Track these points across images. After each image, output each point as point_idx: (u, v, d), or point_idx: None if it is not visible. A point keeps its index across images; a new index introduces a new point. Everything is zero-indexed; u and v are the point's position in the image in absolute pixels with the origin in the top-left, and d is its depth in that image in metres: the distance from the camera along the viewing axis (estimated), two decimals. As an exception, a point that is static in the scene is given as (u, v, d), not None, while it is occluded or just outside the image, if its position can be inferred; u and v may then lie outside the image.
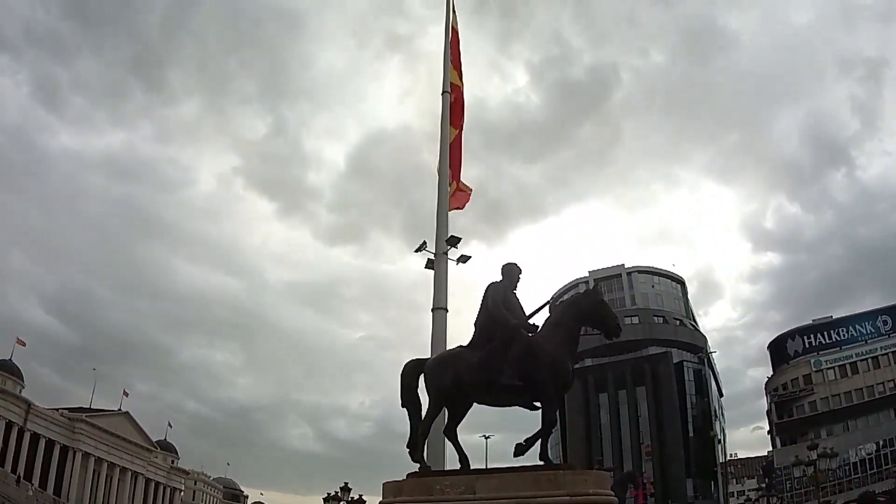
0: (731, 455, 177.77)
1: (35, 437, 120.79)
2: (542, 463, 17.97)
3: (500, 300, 18.61)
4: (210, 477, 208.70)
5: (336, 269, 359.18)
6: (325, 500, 51.45)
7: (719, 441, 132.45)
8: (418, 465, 18.91)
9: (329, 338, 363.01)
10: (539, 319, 19.23)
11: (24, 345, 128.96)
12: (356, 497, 51.75)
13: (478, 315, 19.35)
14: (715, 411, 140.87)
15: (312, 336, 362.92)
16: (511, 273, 19.67)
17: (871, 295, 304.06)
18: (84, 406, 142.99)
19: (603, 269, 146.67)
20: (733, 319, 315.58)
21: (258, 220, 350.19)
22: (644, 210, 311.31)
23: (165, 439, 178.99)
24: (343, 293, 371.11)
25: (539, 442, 18.19)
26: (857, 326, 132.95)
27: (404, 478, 18.89)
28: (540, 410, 18.47)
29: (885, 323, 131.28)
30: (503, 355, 18.04)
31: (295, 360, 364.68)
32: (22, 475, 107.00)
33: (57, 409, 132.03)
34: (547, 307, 19.82)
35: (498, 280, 19.44)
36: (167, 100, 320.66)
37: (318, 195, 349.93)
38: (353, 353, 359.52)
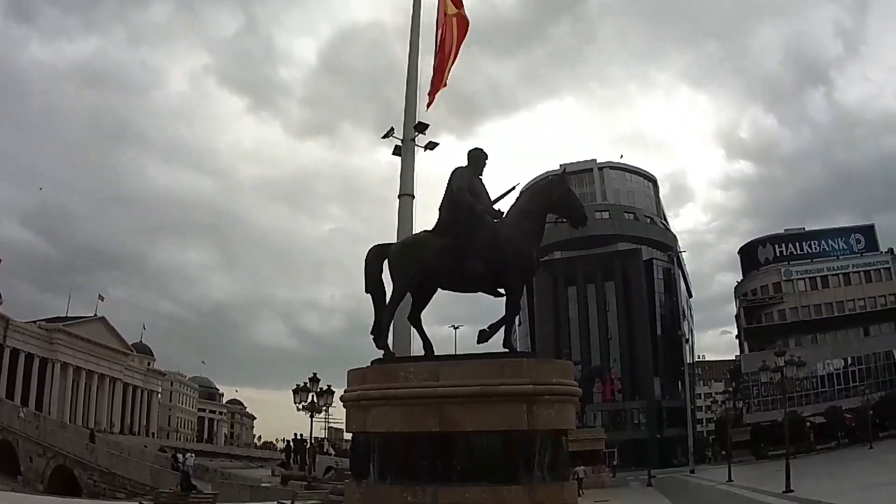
0: (698, 357, 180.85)
1: (15, 354, 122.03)
2: (506, 350, 18.66)
3: (464, 186, 18.76)
4: (186, 377, 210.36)
5: (307, 163, 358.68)
6: (294, 391, 51.96)
7: (687, 341, 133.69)
8: (383, 353, 19.40)
9: (301, 233, 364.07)
10: (504, 206, 19.38)
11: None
12: (325, 388, 52.43)
13: (442, 200, 19.49)
14: (683, 311, 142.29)
15: (284, 232, 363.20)
16: (477, 158, 19.81)
17: (845, 216, 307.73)
18: (61, 315, 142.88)
19: (575, 163, 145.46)
20: (704, 224, 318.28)
21: (230, 119, 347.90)
22: (617, 110, 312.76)
23: (141, 341, 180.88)
24: (314, 188, 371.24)
25: (503, 330, 18.91)
26: (829, 241, 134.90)
27: (369, 365, 19.56)
28: (504, 298, 18.88)
29: (858, 241, 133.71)
30: (468, 242, 18.47)
31: (268, 256, 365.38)
32: (4, 394, 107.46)
33: (35, 322, 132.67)
34: (512, 193, 19.84)
35: (463, 165, 19.58)
36: (139, 1, 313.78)
37: (290, 91, 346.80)
38: (324, 248, 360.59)
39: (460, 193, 18.50)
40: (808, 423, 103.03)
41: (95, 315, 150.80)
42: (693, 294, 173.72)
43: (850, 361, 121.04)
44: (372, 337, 19.64)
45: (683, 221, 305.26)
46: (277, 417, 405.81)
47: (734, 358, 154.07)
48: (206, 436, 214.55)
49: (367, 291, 20.00)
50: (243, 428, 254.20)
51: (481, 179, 19.64)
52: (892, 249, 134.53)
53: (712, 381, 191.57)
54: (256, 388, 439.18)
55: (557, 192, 19.20)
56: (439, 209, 19.49)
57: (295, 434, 72.16)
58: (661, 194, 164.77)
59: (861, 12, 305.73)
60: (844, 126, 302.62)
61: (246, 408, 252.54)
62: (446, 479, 17.03)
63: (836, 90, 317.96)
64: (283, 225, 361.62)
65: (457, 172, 19.11)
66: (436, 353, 19.73)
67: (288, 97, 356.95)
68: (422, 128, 31.70)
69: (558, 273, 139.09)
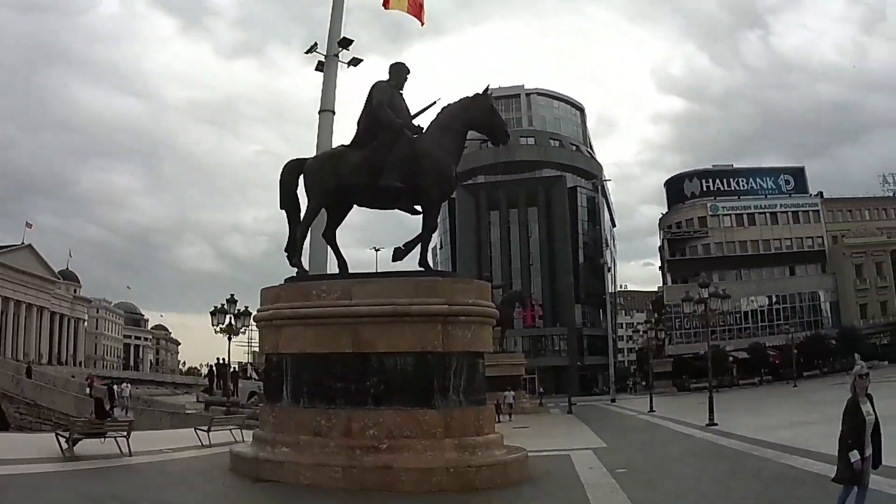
0: (621, 287, 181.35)
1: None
2: (421, 269, 18.09)
3: (385, 99, 18.48)
4: (112, 303, 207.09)
5: (236, 85, 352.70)
6: (211, 313, 51.15)
7: (609, 269, 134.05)
8: (296, 271, 19.15)
9: (227, 155, 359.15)
10: (425, 121, 19.16)
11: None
12: (242, 309, 51.68)
13: (361, 114, 19.12)
14: (606, 240, 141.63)
15: (211, 154, 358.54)
16: (399, 72, 19.46)
17: (774, 158, 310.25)
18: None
19: (502, 88, 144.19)
20: (631, 156, 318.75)
21: (160, 40, 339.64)
22: (550, 40, 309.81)
23: (68, 268, 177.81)
24: (242, 110, 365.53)
25: (419, 248, 18.41)
26: (758, 180, 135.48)
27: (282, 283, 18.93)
28: (421, 216, 18.60)
29: (787, 182, 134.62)
30: (385, 156, 18.05)
31: (194, 179, 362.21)
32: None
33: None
34: (433, 108, 19.35)
35: (384, 79, 19.21)
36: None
37: (220, 12, 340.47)
38: (250, 170, 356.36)
39: (380, 107, 18.18)
40: (730, 358, 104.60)
41: (23, 243, 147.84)
42: (617, 224, 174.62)
43: (774, 300, 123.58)
44: (286, 255, 19.35)
45: (611, 153, 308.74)
46: (202, 343, 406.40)
47: (657, 289, 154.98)
48: (131, 363, 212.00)
49: (281, 208, 19.70)
50: (168, 354, 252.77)
51: (402, 94, 19.28)
52: (821, 193, 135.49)
53: (634, 312, 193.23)
54: (181, 313, 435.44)
55: (480, 109, 18.83)
56: (357, 122, 19.10)
57: (218, 359, 71.61)
58: (589, 124, 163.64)
59: None
60: (779, 70, 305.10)
61: (171, 333, 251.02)
62: (360, 402, 16.86)
63: (773, 35, 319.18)
64: (211, 147, 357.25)
65: (377, 86, 18.72)
66: (350, 272, 19.28)
67: (217, 18, 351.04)
68: (346, 43, 31.16)
69: (481, 197, 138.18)
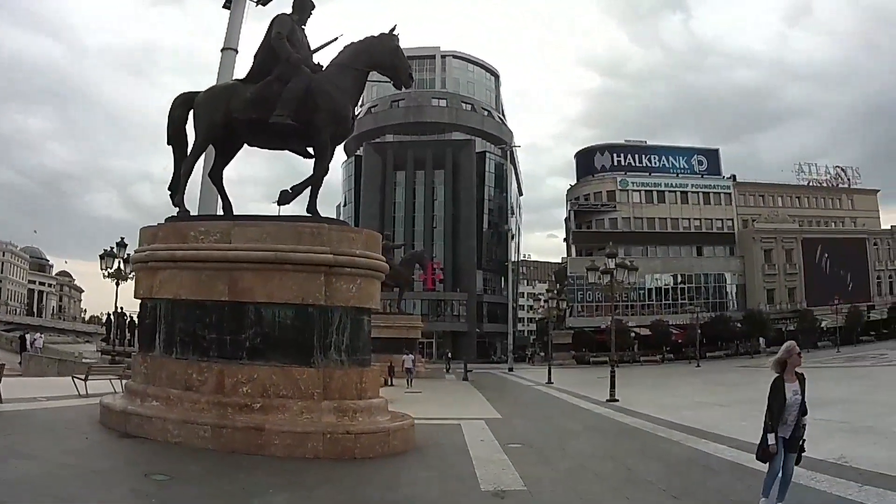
0: (524, 256, 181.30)
1: None
2: (308, 215, 17.03)
3: (284, 32, 17.59)
4: (17, 247, 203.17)
5: (154, 32, 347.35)
6: (100, 257, 49.98)
7: (513, 237, 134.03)
8: (177, 210, 18.03)
9: (141, 102, 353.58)
10: (326, 59, 18.44)
11: None
12: (132, 253, 50.32)
13: (259, 47, 18.24)
14: (512, 208, 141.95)
15: (125, 101, 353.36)
16: (303, 6, 18.66)
17: (688, 139, 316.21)
18: None
19: (418, 48, 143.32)
20: (544, 128, 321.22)
21: None
22: (473, 6, 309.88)
23: None
24: (158, 58, 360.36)
25: (309, 192, 17.40)
26: (670, 158, 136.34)
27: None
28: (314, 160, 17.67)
29: (700, 163, 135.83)
30: (279, 92, 17.13)
31: (107, 125, 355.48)
32: None
33: None
34: (336, 45, 18.62)
35: (287, 12, 18.39)
36: None
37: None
38: (162, 118, 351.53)
39: (277, 40, 17.39)
40: (633, 334, 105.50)
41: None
42: (524, 193, 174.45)
43: (680, 279, 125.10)
44: (169, 193, 18.39)
45: (524, 124, 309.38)
46: (108, 291, 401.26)
47: (560, 261, 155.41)
48: (34, 309, 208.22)
49: (168, 143, 18.68)
50: (72, 301, 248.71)
51: (304, 30, 18.56)
52: (734, 176, 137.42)
53: (536, 282, 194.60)
54: (87, 261, 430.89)
55: (384, 49, 18.22)
56: (254, 56, 18.31)
57: (116, 307, 70.06)
58: (505, 95, 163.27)
59: None
60: (698, 53, 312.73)
61: (75, 280, 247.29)
62: (234, 356, 15.86)
63: (695, 18, 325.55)
64: (125, 94, 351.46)
65: (279, 18, 17.95)
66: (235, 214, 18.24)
67: None
68: None
69: (388, 156, 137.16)
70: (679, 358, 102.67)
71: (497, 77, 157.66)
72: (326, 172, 18.07)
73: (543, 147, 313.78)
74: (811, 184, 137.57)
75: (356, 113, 18.40)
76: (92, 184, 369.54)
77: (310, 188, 17.69)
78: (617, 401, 34.89)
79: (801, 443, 11.00)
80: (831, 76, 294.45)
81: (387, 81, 19.17)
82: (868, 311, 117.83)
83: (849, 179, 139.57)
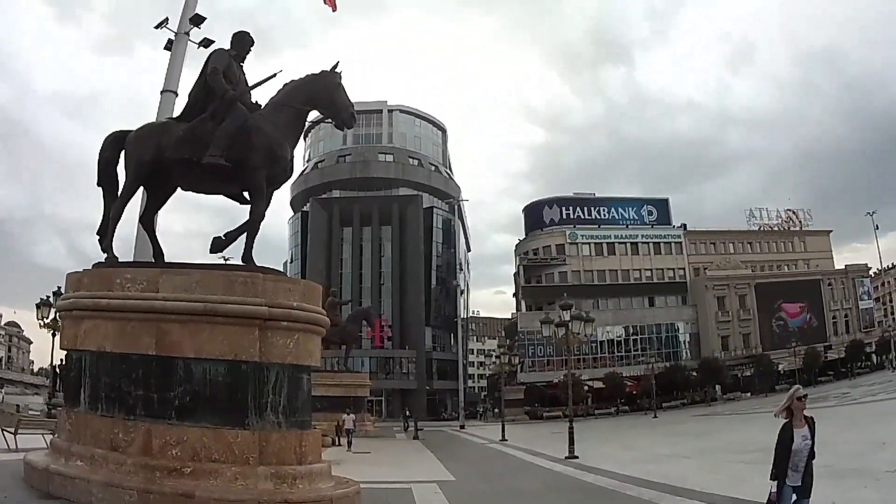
0: (473, 313, 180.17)
1: None
2: (240, 263, 15.75)
3: (221, 68, 16.42)
4: None
5: (102, 81, 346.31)
6: (37, 306, 48.90)
7: (462, 292, 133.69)
8: (105, 256, 16.64)
9: (88, 151, 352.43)
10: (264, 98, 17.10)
11: None
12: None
13: (194, 84, 17.09)
14: (461, 263, 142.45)
15: (72, 148, 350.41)
16: (242, 41, 17.52)
17: (632, 188, 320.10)
18: None
19: (365, 102, 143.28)
20: (487, 184, 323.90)
21: (34, 25, 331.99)
22: (415, 61, 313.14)
23: None
24: (107, 105, 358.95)
25: (245, 240, 16.20)
26: (620, 209, 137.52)
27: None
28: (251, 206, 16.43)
29: (650, 213, 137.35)
30: (212, 129, 15.93)
31: (53, 172, 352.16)
32: None
33: None
34: (275, 82, 17.31)
35: (225, 48, 17.30)
36: None
37: (94, 4, 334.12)
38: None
39: (213, 75, 16.16)
40: (586, 387, 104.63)
41: None
42: (472, 247, 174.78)
43: (632, 330, 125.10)
44: (98, 238, 17.00)
45: (466, 181, 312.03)
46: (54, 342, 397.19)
47: (510, 316, 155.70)
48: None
49: (98, 184, 17.37)
50: (20, 352, 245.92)
51: (243, 67, 17.41)
52: (684, 225, 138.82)
53: (486, 339, 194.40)
54: (34, 311, 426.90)
55: (325, 86, 16.94)
56: (189, 93, 17.14)
57: (53, 359, 68.72)
58: (448, 145, 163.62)
59: None
60: (639, 103, 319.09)
61: (23, 331, 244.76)
62: (162, 415, 14.28)
63: (637, 69, 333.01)
64: (72, 140, 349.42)
65: (216, 53, 16.82)
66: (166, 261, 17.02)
67: (91, 11, 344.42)
68: (198, 20, 29.77)
69: (335, 212, 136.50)
70: (634, 409, 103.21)
71: (444, 131, 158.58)
72: (262, 217, 16.56)
73: (488, 203, 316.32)
74: (762, 228, 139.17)
75: (294, 156, 16.95)
76: (37, 230, 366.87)
77: (245, 235, 16.43)
78: (577, 457, 33.68)
79: (808, 485, 10.57)
80: (773, 121, 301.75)
81: (328, 121, 17.79)
82: (825, 352, 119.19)
83: (800, 222, 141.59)
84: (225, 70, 16.44)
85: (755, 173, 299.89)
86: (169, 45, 29.66)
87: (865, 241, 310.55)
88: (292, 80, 17.14)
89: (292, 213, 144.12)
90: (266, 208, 16.51)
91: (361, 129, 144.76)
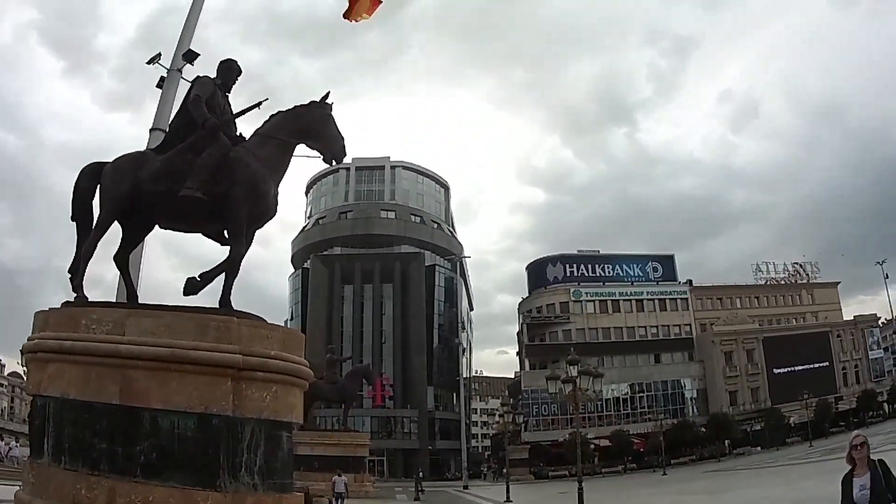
0: (475, 372, 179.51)
1: None
2: (216, 307, 14.24)
3: (204, 96, 15.16)
4: None
5: (110, 134, 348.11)
6: (21, 351, 47.49)
7: (464, 351, 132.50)
8: (75, 296, 15.22)
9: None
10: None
11: None
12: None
13: (175, 114, 16.19)
14: (463, 322, 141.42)
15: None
16: (228, 70, 16.37)
17: (636, 248, 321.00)
18: None
19: (368, 158, 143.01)
20: (488, 244, 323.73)
21: (45, 78, 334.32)
22: (417, 121, 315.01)
23: None
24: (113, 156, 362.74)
25: (223, 283, 14.71)
26: (625, 266, 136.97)
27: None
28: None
29: (655, 270, 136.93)
30: (192, 161, 14.59)
31: (62, 224, 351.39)
32: None
33: None
34: (260, 112, 15.98)
35: (209, 76, 16.07)
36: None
37: (104, 59, 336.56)
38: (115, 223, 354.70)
39: (195, 103, 14.88)
40: (592, 445, 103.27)
41: None
42: (474, 308, 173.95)
43: (637, 387, 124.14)
44: (69, 276, 15.76)
45: (468, 239, 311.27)
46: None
47: (513, 376, 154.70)
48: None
49: (72, 219, 16.09)
50: (23, 403, 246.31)
51: (228, 97, 16.13)
52: (690, 280, 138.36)
53: (489, 398, 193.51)
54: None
55: (313, 118, 15.58)
56: (170, 123, 16.40)
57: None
58: (451, 202, 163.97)
59: (680, 59, 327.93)
60: (643, 163, 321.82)
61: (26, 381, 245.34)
62: (127, 472, 12.59)
63: (640, 130, 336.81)
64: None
65: (200, 80, 15.66)
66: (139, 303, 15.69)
67: (102, 64, 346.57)
68: (191, 57, 28.85)
69: (336, 269, 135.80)
70: (642, 467, 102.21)
71: (447, 189, 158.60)
72: (241, 256, 15.00)
73: (490, 263, 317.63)
74: (769, 282, 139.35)
75: (279, 193, 15.57)
76: (47, 283, 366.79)
77: (224, 277, 15.02)
78: None
79: None
80: (777, 176, 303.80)
81: (317, 156, 16.42)
82: (836, 402, 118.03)
83: (808, 275, 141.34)
84: (208, 99, 15.21)
85: (761, 229, 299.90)
86: (161, 83, 28.70)
87: (871, 293, 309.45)
88: (279, 111, 15.81)
89: (293, 270, 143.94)
90: (247, 248, 15.05)
91: (364, 184, 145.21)
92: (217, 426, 12.49)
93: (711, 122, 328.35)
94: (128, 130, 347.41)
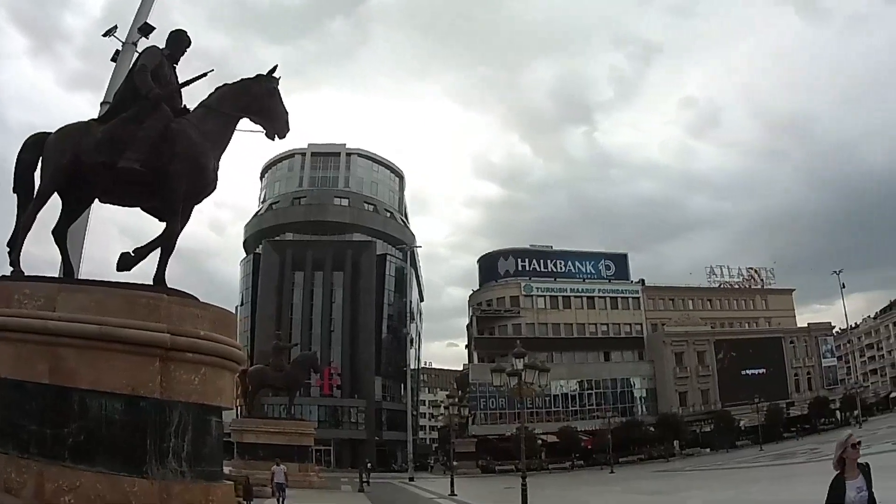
0: (424, 364, 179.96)
1: None
2: (148, 284, 13.61)
3: (150, 66, 14.63)
4: None
5: (73, 115, 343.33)
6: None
7: (412, 341, 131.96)
8: (11, 269, 14.63)
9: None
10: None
11: None
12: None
13: (121, 84, 15.67)
14: (412, 313, 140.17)
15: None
16: (178, 41, 15.83)
17: (591, 248, 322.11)
18: None
19: (323, 144, 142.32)
20: (441, 237, 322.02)
21: (9, 58, 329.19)
22: (376, 113, 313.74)
23: None
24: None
25: (158, 259, 14.26)
26: (577, 263, 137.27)
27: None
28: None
29: (607, 268, 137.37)
30: (133, 131, 14.08)
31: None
32: None
33: None
34: (207, 82, 15.73)
35: (157, 46, 15.59)
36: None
37: (69, 38, 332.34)
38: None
39: (140, 72, 14.36)
40: (539, 441, 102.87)
41: None
42: (425, 299, 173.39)
43: (586, 384, 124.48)
44: (7, 249, 15.04)
45: (421, 232, 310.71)
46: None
47: (461, 368, 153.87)
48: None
49: (14, 190, 15.50)
50: None
51: (175, 69, 15.61)
52: (643, 280, 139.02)
53: (438, 390, 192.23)
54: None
55: (259, 91, 15.21)
56: (115, 93, 15.98)
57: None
58: (406, 193, 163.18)
59: (645, 64, 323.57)
60: (601, 164, 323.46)
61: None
62: (56, 455, 12.02)
63: (599, 131, 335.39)
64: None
65: (147, 50, 15.23)
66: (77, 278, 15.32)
67: (67, 44, 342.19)
68: (147, 30, 28.20)
69: (287, 256, 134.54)
70: (589, 464, 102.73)
71: (402, 178, 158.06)
72: (177, 232, 14.57)
73: (442, 256, 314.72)
74: (723, 286, 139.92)
75: (219, 168, 14.98)
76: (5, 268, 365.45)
77: (160, 252, 14.42)
78: None
79: None
80: (737, 185, 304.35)
81: (259, 131, 15.91)
82: (787, 408, 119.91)
83: (762, 280, 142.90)
84: (155, 69, 14.72)
85: (718, 235, 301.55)
86: (116, 57, 28.32)
87: (826, 303, 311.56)
88: (226, 84, 15.45)
89: (245, 255, 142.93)
90: (184, 224, 14.56)
91: (319, 171, 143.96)
92: (145, 409, 11.98)
93: (672, 127, 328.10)
94: (90, 112, 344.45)
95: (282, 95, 15.53)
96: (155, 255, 14.47)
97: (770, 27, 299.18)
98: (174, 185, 13.91)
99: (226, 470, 52.54)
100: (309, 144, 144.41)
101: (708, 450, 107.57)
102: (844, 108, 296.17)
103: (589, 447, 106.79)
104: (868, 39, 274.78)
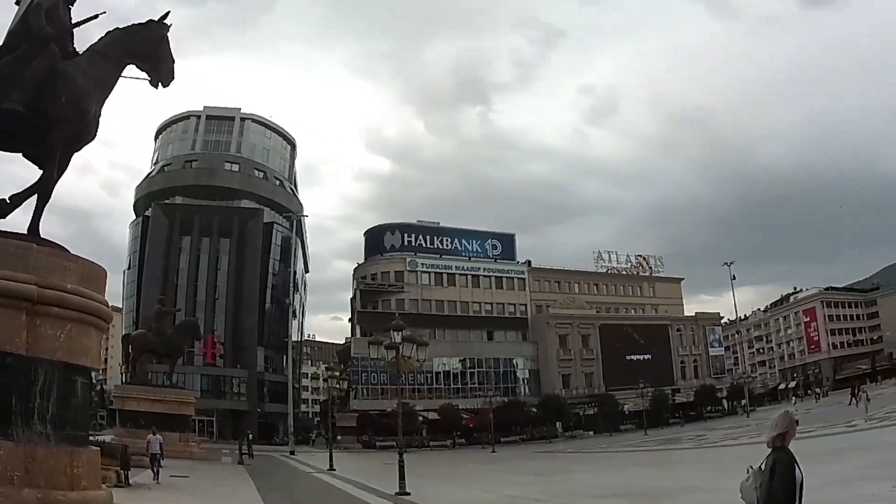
0: (308, 336, 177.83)
1: None
2: (19, 232, 12.66)
3: (45, 5, 13.91)
4: None
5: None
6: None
7: (296, 314, 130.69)
8: None
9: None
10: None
11: None
12: None
13: (16, 21, 14.62)
14: (297, 284, 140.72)
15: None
16: None
17: (479, 227, 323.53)
18: None
19: (218, 107, 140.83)
20: (330, 209, 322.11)
21: None
22: (275, 79, 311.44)
23: None
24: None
25: (35, 207, 13.28)
26: (464, 241, 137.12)
27: None
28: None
29: (494, 248, 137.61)
30: (20, 70, 13.38)
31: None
32: None
33: None
34: (99, 24, 15.02)
35: None
36: None
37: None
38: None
39: (35, 11, 13.67)
40: (420, 418, 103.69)
41: None
42: (310, 270, 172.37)
43: (469, 363, 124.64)
44: None
45: (310, 203, 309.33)
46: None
47: (344, 340, 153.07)
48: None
49: None
50: None
51: (70, 11, 14.87)
52: (529, 261, 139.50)
53: (321, 363, 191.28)
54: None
55: (148, 37, 14.75)
56: (7, 31, 14.67)
57: None
58: (297, 162, 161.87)
59: (547, 47, 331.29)
60: (495, 145, 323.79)
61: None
62: None
63: (495, 111, 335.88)
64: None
65: None
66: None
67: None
68: None
69: (176, 219, 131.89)
70: (471, 443, 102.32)
71: (294, 146, 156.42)
72: (53, 179, 13.73)
73: (330, 228, 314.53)
74: (610, 272, 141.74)
75: (100, 114, 14.10)
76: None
77: (36, 200, 13.45)
78: (408, 494, 29.94)
79: None
80: (630, 174, 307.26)
81: (144, 78, 15.13)
82: (673, 394, 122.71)
83: (651, 268, 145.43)
84: (49, 8, 14.00)
85: (609, 222, 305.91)
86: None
87: (715, 294, 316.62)
88: (117, 28, 14.86)
89: (134, 217, 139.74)
90: (62, 171, 13.70)
91: (212, 135, 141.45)
92: (11, 366, 11.00)
93: (569, 112, 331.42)
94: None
95: (170, 43, 15.02)
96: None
97: (678, 21, 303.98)
98: (53, 130, 13.16)
99: (107, 438, 51.30)
100: (205, 107, 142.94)
101: (591, 433, 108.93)
102: (748, 108, 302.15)
103: (471, 426, 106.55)
104: (779, 41, 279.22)
